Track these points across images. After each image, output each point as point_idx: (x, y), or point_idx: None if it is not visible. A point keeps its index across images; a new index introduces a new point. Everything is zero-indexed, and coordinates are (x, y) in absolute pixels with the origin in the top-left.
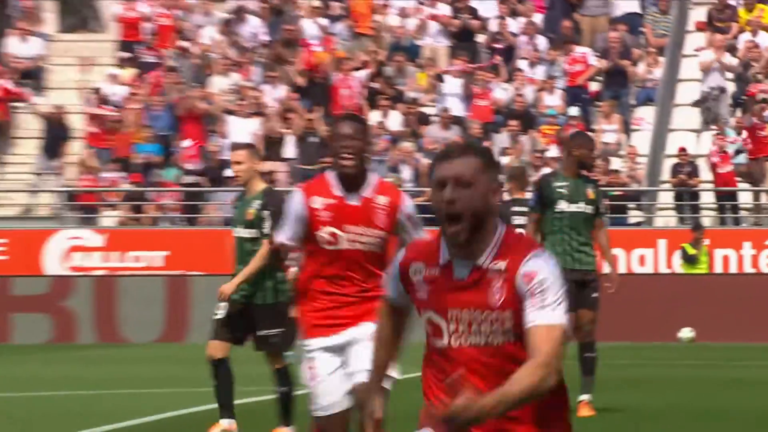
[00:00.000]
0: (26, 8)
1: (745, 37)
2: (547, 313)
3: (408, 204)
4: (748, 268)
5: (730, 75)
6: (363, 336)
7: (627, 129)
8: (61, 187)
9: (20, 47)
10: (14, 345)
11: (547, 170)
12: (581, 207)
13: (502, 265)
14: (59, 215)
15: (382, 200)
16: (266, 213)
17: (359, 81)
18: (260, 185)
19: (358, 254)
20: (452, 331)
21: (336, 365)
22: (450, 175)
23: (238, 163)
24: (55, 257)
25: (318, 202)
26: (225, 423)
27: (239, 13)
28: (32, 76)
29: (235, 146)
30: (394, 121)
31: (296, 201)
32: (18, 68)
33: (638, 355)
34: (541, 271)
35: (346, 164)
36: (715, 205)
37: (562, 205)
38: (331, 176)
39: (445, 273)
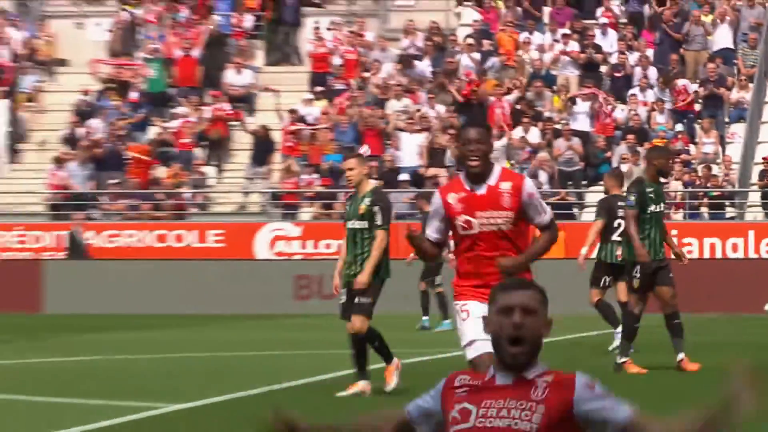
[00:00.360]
0: (240, 46)
1: None
2: None
3: (529, 184)
4: None
5: None
6: None
7: (723, 142)
8: (267, 188)
9: (235, 77)
10: (225, 315)
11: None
12: (660, 208)
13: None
14: (266, 211)
15: (506, 186)
16: (376, 208)
17: (507, 103)
18: (369, 185)
19: (491, 234)
20: None
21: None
22: (517, 303)
23: (350, 169)
24: (263, 245)
25: (452, 197)
26: (362, 384)
27: (410, 48)
28: (244, 100)
29: (348, 156)
30: (534, 135)
31: (435, 200)
32: (233, 94)
33: (731, 323)
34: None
35: (473, 164)
36: None
37: (652, 207)
38: (461, 175)
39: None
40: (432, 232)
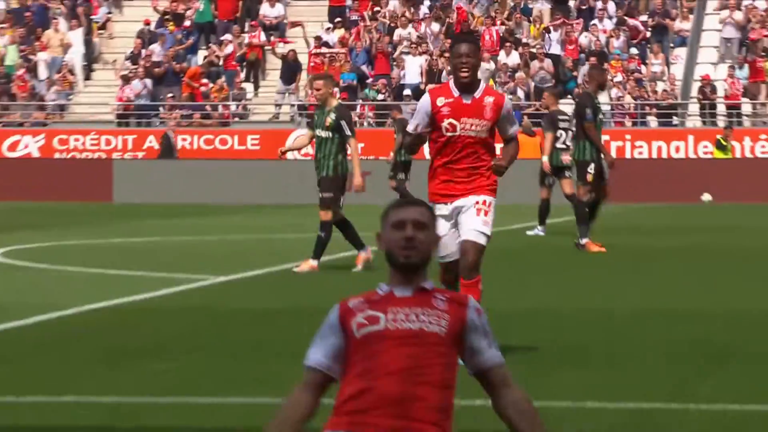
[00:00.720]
0: None
1: (746, 2)
2: None
3: (508, 102)
4: (747, 154)
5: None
6: (470, 204)
7: (668, 63)
8: (295, 102)
9: (269, 10)
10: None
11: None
12: (601, 115)
13: None
14: (294, 120)
15: (489, 99)
16: (343, 122)
17: (495, 31)
18: (334, 102)
19: (471, 139)
20: None
21: (449, 228)
22: (410, 218)
23: (318, 89)
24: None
25: (441, 101)
26: (363, 253)
27: None
28: (276, 29)
29: (315, 77)
30: (513, 58)
31: (424, 100)
32: (267, 24)
33: (673, 210)
34: None
35: (463, 75)
36: (725, 113)
37: (600, 116)
38: (451, 83)
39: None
40: (415, 127)
